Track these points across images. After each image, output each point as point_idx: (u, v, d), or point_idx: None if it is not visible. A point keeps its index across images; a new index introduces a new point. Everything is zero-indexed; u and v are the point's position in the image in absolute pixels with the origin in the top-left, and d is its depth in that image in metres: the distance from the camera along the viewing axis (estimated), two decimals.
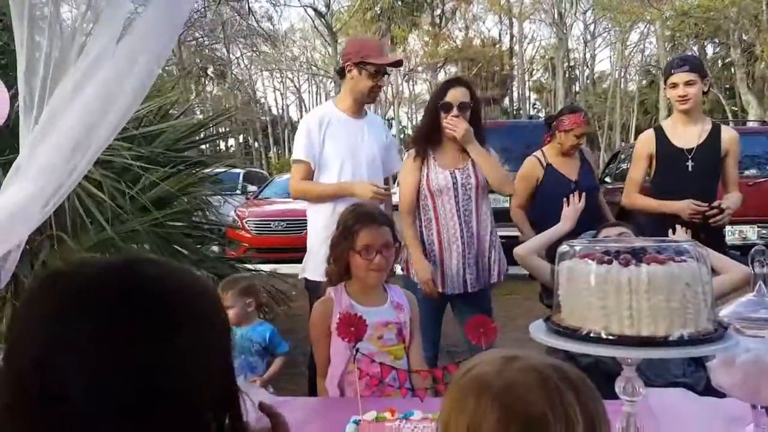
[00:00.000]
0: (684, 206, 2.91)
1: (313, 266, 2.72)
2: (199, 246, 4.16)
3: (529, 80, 38.94)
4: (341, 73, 2.93)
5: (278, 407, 1.00)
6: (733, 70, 23.05)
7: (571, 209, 2.81)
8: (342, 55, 2.92)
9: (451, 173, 2.80)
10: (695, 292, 1.06)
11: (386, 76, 2.98)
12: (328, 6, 30.24)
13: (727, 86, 26.99)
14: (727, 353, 1.30)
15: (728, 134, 3.04)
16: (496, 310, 3.01)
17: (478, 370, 0.82)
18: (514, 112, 33.90)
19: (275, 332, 2.77)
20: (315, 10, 29.79)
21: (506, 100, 38.89)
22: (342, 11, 32.52)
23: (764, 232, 6.91)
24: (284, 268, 5.10)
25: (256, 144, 37.93)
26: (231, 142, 39.62)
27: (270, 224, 8.64)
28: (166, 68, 26.24)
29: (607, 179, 9.57)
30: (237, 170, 10.84)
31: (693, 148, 3.00)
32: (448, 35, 34.88)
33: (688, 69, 2.97)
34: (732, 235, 6.87)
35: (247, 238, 8.10)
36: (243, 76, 37.21)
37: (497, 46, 36.96)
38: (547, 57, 36.00)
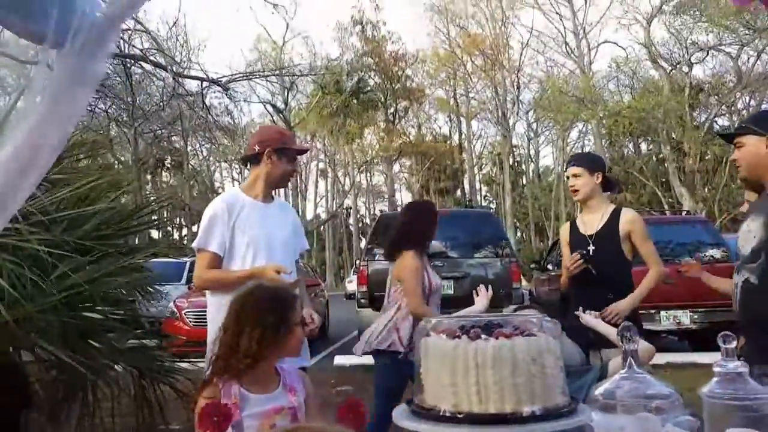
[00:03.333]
0: (564, 267, 3.29)
1: None
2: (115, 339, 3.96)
3: (479, 173, 40.32)
4: (251, 159, 2.92)
5: None
6: (666, 165, 24.34)
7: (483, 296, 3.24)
8: (258, 143, 2.89)
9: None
10: (542, 366, 1.05)
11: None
12: (286, 103, 31.34)
13: (663, 180, 28.43)
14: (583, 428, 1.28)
15: (626, 216, 3.26)
16: None
17: None
18: (466, 203, 34.64)
19: None
20: (274, 106, 30.78)
21: (458, 192, 39.89)
22: (300, 107, 33.71)
23: (696, 316, 6.97)
24: None
25: None
26: (185, 231, 39.07)
27: None
28: (122, 157, 26.16)
29: (549, 266, 9.77)
30: (185, 259, 10.57)
31: (593, 234, 3.24)
32: (401, 131, 36.21)
33: (574, 164, 3.34)
34: (667, 320, 6.99)
35: (185, 330, 7.81)
36: (201, 166, 37.34)
37: (448, 142, 38.35)
38: (494, 152, 37.44)
